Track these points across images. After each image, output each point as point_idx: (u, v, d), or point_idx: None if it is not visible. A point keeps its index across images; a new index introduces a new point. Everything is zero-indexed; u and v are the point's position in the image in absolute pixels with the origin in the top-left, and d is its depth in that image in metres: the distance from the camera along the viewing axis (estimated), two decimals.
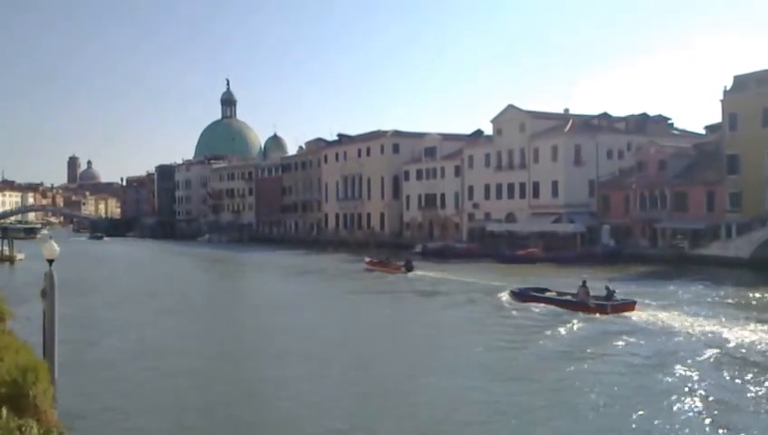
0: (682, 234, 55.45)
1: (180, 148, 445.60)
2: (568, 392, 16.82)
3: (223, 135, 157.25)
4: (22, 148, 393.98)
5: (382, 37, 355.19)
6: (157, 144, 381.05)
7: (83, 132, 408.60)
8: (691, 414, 14.90)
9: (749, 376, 17.84)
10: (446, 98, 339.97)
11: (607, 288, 29.56)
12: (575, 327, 25.48)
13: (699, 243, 53.27)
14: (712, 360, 19.95)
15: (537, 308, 29.85)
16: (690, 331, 24.16)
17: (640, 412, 14.90)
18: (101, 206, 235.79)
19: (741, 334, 23.32)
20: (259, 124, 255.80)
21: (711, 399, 15.96)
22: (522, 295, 32.64)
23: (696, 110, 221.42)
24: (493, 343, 23.01)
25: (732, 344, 21.86)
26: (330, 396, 16.86)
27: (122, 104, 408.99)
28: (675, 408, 15.30)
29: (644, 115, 70.02)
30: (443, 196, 77.47)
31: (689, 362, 19.47)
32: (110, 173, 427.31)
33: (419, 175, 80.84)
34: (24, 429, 7.49)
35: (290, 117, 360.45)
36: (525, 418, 14.90)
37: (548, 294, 31.98)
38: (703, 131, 69.45)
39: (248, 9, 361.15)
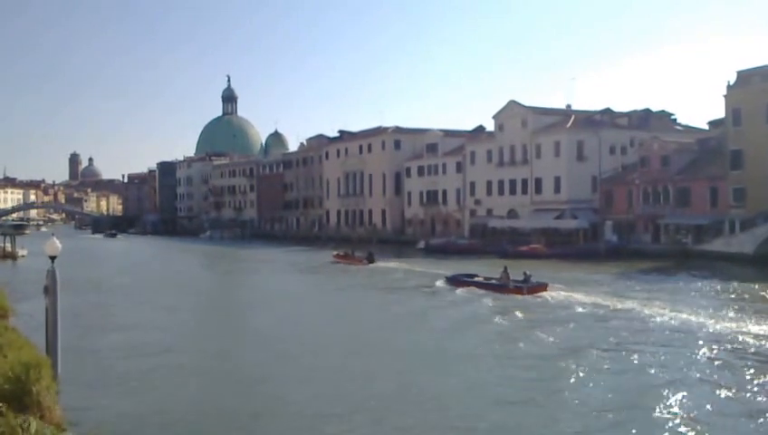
0: (685, 230, 55.30)
1: (181, 144, 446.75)
2: (484, 343, 22.27)
3: (224, 132, 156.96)
4: (23, 145, 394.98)
5: (383, 33, 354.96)
6: (158, 141, 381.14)
7: (85, 129, 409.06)
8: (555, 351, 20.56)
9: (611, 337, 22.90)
10: (448, 94, 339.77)
11: (524, 273, 33.91)
12: (493, 303, 30.71)
13: (702, 238, 53.19)
14: (594, 322, 25.86)
15: (466, 290, 34.23)
16: (591, 305, 29.40)
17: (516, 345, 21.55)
18: (103, 203, 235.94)
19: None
20: (260, 121, 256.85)
21: (572, 340, 22.20)
22: (454, 280, 36.96)
23: (699, 105, 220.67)
24: (419, 311, 29.48)
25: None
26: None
27: (124, 101, 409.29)
28: (542, 340, 22.24)
29: (647, 111, 69.66)
30: (444, 192, 77.32)
31: (570, 324, 25.21)
32: (111, 170, 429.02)
33: (421, 171, 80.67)
34: (24, 425, 7.50)
35: (291, 113, 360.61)
36: (423, 359, 20.19)
37: (476, 279, 36.16)
38: (706, 127, 69.07)
39: (249, 5, 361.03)
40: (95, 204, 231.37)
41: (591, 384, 16.96)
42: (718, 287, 35.86)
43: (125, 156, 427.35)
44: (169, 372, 18.81)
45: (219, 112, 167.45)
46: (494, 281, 34.70)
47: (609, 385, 16.83)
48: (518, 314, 27.61)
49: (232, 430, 14.14)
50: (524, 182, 67.82)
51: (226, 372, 19.13)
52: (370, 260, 52.16)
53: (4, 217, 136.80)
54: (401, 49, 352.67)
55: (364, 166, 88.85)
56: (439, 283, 37.80)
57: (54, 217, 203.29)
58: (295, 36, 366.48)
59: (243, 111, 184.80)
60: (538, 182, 66.50)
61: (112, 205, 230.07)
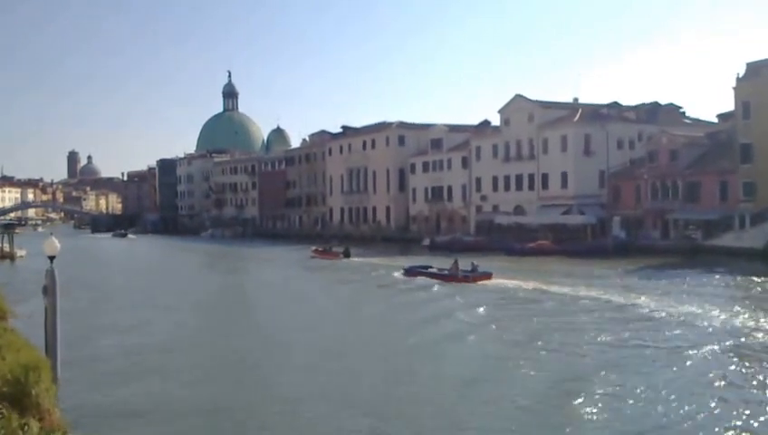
0: (695, 225, 54.77)
1: (181, 141, 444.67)
2: (432, 319, 26.70)
3: (225, 128, 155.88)
4: (21, 143, 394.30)
5: (387, 28, 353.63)
6: (158, 138, 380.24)
7: (83, 127, 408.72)
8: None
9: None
10: (453, 88, 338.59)
11: (472, 263, 38.51)
12: (443, 290, 34.98)
13: (712, 234, 52.68)
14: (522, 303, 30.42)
15: (421, 279, 38.57)
16: (530, 290, 33.95)
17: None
18: (102, 201, 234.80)
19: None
20: (262, 117, 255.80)
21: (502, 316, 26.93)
22: (411, 271, 41.19)
23: (708, 98, 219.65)
24: (373, 295, 35.66)
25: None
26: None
27: (123, 98, 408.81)
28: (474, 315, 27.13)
29: (655, 104, 68.99)
30: (450, 188, 76.57)
31: (502, 302, 30.57)
32: (110, 168, 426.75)
33: (426, 167, 79.88)
34: (25, 428, 7.21)
35: (293, 109, 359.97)
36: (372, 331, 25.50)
37: (430, 270, 40.35)
38: (715, 120, 68.46)
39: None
40: (94, 203, 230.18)
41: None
42: (728, 283, 35.74)
43: (124, 154, 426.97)
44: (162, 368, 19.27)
45: (220, 109, 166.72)
46: (445, 271, 38.77)
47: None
48: (458, 297, 31.92)
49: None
50: (531, 177, 67.14)
51: (226, 373, 19.14)
52: (346, 255, 56.23)
53: (1, 217, 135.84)
54: (405, 44, 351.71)
55: (368, 162, 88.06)
56: (397, 274, 41.99)
57: (53, 216, 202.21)
58: (297, 31, 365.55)
59: (244, 107, 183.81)
60: (545, 177, 65.83)
61: (112, 204, 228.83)
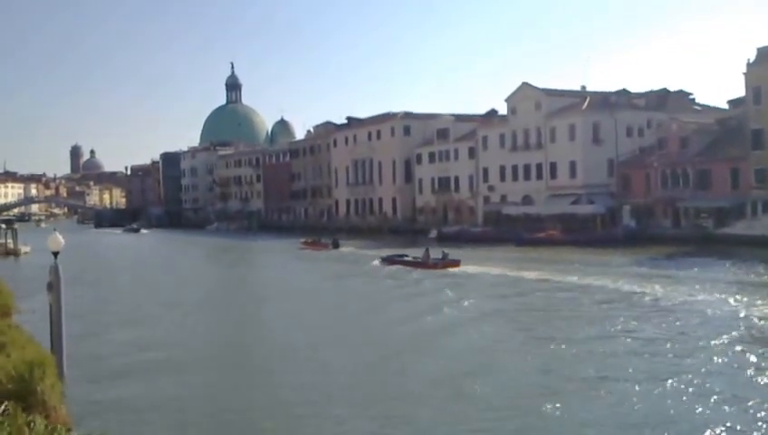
0: (706, 213, 54.19)
1: (185, 134, 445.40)
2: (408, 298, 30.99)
3: (228, 120, 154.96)
4: (23, 138, 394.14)
5: (391, 17, 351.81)
6: (161, 131, 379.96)
7: (86, 121, 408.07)
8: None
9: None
10: (458, 77, 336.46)
11: (443, 252, 42.15)
12: (415, 274, 38.85)
13: (724, 222, 52.17)
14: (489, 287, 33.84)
15: (395, 267, 42.22)
16: (497, 275, 37.46)
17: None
18: (106, 196, 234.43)
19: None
20: (265, 109, 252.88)
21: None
22: (387, 260, 44.74)
23: (718, 84, 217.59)
24: (352, 279, 39.32)
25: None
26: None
27: (125, 91, 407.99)
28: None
29: (664, 91, 68.02)
30: (457, 179, 75.87)
31: (469, 286, 33.86)
32: (113, 162, 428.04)
33: (432, 158, 79.15)
34: (31, 425, 7.05)
35: (297, 101, 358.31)
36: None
37: (405, 258, 43.96)
38: (726, 106, 67.54)
39: None
40: (98, 197, 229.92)
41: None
42: (741, 271, 35.39)
43: (127, 148, 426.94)
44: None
45: (223, 101, 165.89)
46: (418, 259, 42.10)
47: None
48: (436, 280, 35.79)
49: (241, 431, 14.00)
50: (539, 167, 66.45)
51: (233, 369, 19.16)
52: (335, 246, 58.67)
53: (5, 213, 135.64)
54: (410, 33, 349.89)
55: (373, 153, 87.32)
56: (375, 262, 45.36)
57: (56, 211, 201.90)
58: (301, 21, 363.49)
59: (247, 99, 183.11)
60: (553, 167, 65.14)
61: (115, 198, 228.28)
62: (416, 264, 41.86)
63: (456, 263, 40.83)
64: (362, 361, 19.07)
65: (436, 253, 42.44)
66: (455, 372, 17.26)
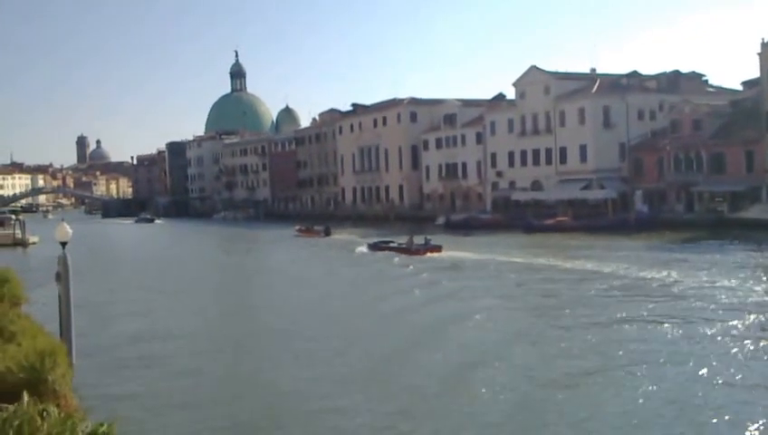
0: (720, 197, 53.35)
1: (190, 124, 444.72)
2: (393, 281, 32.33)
3: (233, 109, 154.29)
4: (30, 129, 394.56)
5: (398, 1, 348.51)
6: (167, 121, 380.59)
7: (92, 110, 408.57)
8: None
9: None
10: (465, 62, 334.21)
11: (425, 238, 43.85)
12: (398, 259, 40.75)
13: (739, 206, 51.45)
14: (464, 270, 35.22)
15: (381, 253, 43.88)
16: (474, 260, 38.59)
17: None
18: (113, 186, 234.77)
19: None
20: (270, 96, 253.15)
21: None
22: (374, 246, 46.55)
23: (732, 65, 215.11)
24: (339, 262, 42.39)
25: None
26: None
27: (130, 80, 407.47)
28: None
29: (676, 72, 66.70)
30: (464, 165, 74.95)
31: (446, 269, 35.18)
32: (120, 152, 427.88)
33: (439, 144, 78.21)
34: (44, 414, 6.88)
35: (302, 88, 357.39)
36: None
37: (391, 244, 45.71)
38: (740, 87, 66.39)
39: None
40: (105, 187, 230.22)
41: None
42: (757, 256, 34.57)
43: (134, 137, 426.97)
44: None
45: (228, 89, 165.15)
46: (403, 245, 43.72)
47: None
48: (418, 264, 37.18)
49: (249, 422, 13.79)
50: (548, 152, 65.52)
51: (239, 357, 19.01)
52: (327, 233, 60.80)
53: (13, 204, 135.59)
54: (415, 17, 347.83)
55: (379, 140, 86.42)
56: (362, 248, 47.04)
57: (64, 201, 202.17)
58: (304, 8, 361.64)
59: (252, 86, 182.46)
60: (563, 151, 64.20)
61: (122, 188, 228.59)
62: (400, 249, 43.61)
63: (438, 248, 42.48)
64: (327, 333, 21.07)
65: (419, 239, 43.90)
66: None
